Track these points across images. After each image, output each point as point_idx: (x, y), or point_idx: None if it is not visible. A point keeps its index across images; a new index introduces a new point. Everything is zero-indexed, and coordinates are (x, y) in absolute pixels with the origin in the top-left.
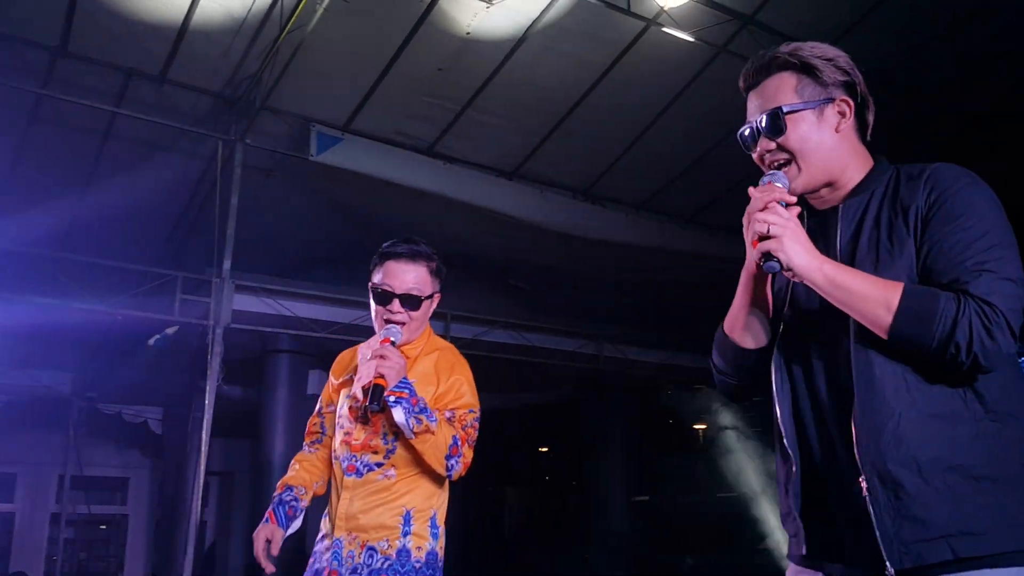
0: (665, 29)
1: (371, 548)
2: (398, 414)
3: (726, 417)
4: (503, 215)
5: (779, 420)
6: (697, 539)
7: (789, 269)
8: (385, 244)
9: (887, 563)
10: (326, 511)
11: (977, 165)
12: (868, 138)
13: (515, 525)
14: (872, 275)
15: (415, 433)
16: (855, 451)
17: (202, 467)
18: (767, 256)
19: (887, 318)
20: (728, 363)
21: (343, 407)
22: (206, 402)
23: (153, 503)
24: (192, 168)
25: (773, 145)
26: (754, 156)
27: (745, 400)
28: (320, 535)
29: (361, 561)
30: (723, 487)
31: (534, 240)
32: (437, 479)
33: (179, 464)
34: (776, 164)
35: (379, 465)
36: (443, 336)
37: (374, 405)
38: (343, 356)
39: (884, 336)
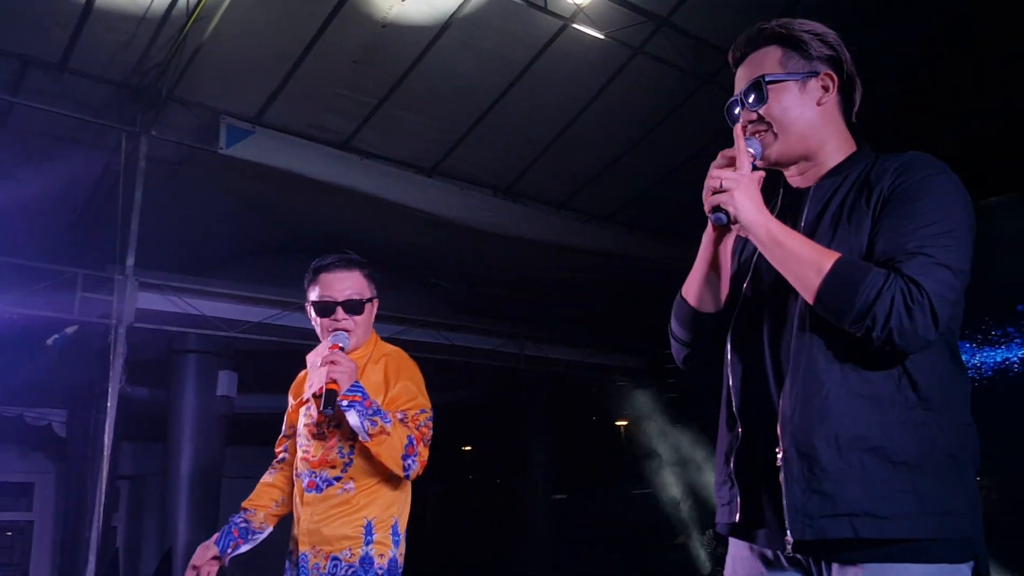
0: (581, 28)
1: (335, 558)
2: (352, 417)
3: (646, 413)
4: (422, 212)
5: (730, 389)
6: (614, 536)
7: (736, 221)
8: (315, 261)
9: (788, 532)
10: (293, 531)
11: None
12: (854, 119)
13: (438, 525)
14: (810, 242)
15: (370, 435)
16: (778, 422)
17: (104, 471)
18: (716, 208)
19: (816, 281)
20: (682, 327)
21: (300, 424)
22: (108, 404)
23: (60, 509)
24: (95, 161)
25: (755, 115)
26: (736, 128)
27: (694, 367)
28: (288, 552)
29: (326, 571)
30: (641, 483)
31: (454, 238)
32: (395, 487)
33: (83, 468)
34: (756, 133)
35: (337, 479)
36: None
37: (328, 409)
38: (301, 377)
39: (811, 301)
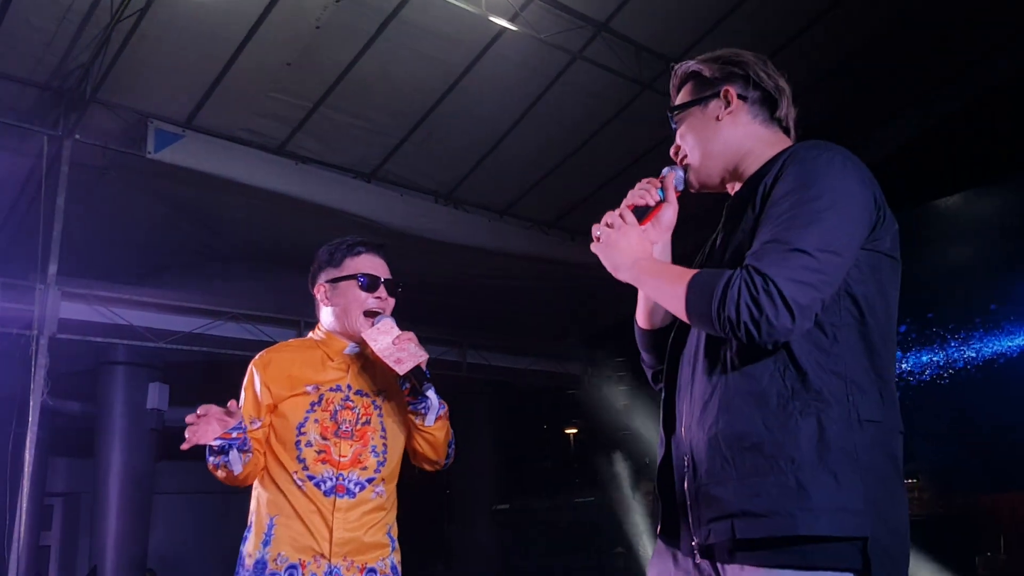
0: (520, 31)
1: (371, 570)
2: (434, 396)
3: (593, 421)
4: (361, 218)
5: (661, 403)
6: (557, 545)
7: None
8: (351, 237)
9: (693, 537)
10: (270, 535)
11: None
12: (788, 124)
13: None
14: (681, 269)
15: (438, 417)
16: (682, 431)
17: (26, 488)
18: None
19: (681, 302)
20: (643, 350)
21: (308, 421)
22: (30, 417)
23: None
24: (18, 167)
25: (677, 148)
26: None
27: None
28: (286, 565)
29: None
30: (585, 492)
31: (394, 244)
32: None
33: (7, 486)
34: (682, 161)
35: (370, 481)
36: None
37: (426, 384)
38: (278, 362)
39: (688, 321)
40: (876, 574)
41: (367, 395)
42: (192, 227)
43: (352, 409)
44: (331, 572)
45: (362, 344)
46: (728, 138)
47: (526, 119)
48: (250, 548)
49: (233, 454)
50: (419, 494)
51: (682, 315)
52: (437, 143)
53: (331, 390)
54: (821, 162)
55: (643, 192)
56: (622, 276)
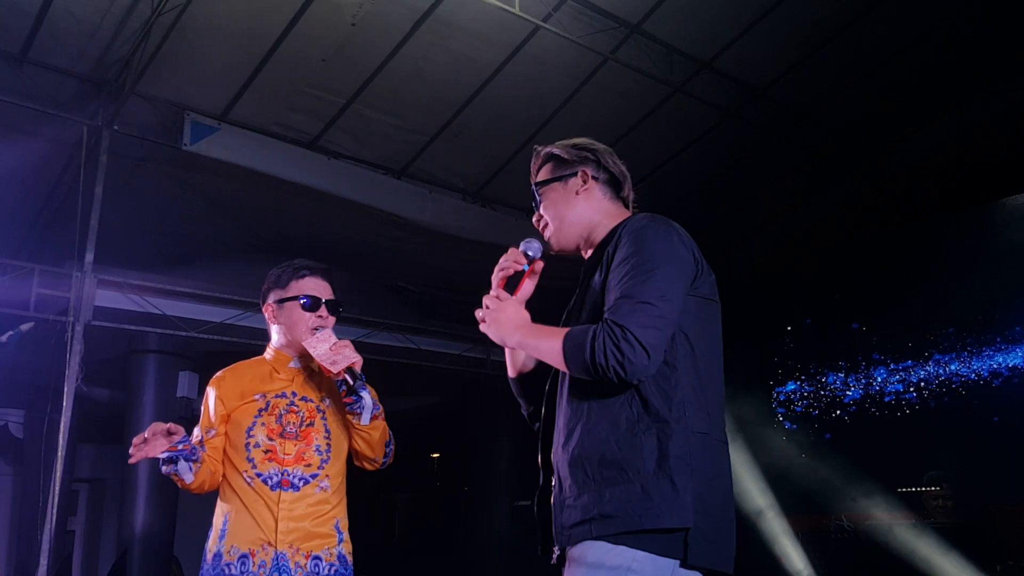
0: (552, 30)
1: (316, 557)
2: (367, 396)
3: None
4: (390, 214)
5: (539, 439)
6: None
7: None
8: (298, 261)
9: (555, 546)
10: (225, 530)
11: (832, 186)
12: (628, 202)
13: (405, 532)
14: (555, 328)
15: (373, 417)
16: (551, 457)
17: (58, 473)
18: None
19: (560, 357)
20: (521, 398)
21: (256, 425)
22: (64, 404)
23: (15, 512)
24: (55, 155)
25: (539, 216)
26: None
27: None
28: (239, 555)
29: (309, 570)
30: None
31: (422, 241)
32: (345, 488)
33: (40, 470)
34: (544, 230)
35: (314, 477)
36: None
37: (359, 384)
38: (232, 377)
39: (570, 373)
40: (693, 554)
41: (311, 401)
42: (225, 219)
43: (296, 413)
44: (278, 558)
45: (306, 358)
46: (583, 210)
47: (556, 118)
48: (210, 544)
49: (182, 464)
50: (442, 490)
51: (561, 367)
52: (467, 141)
53: (276, 397)
54: (648, 231)
55: (510, 264)
56: (510, 344)
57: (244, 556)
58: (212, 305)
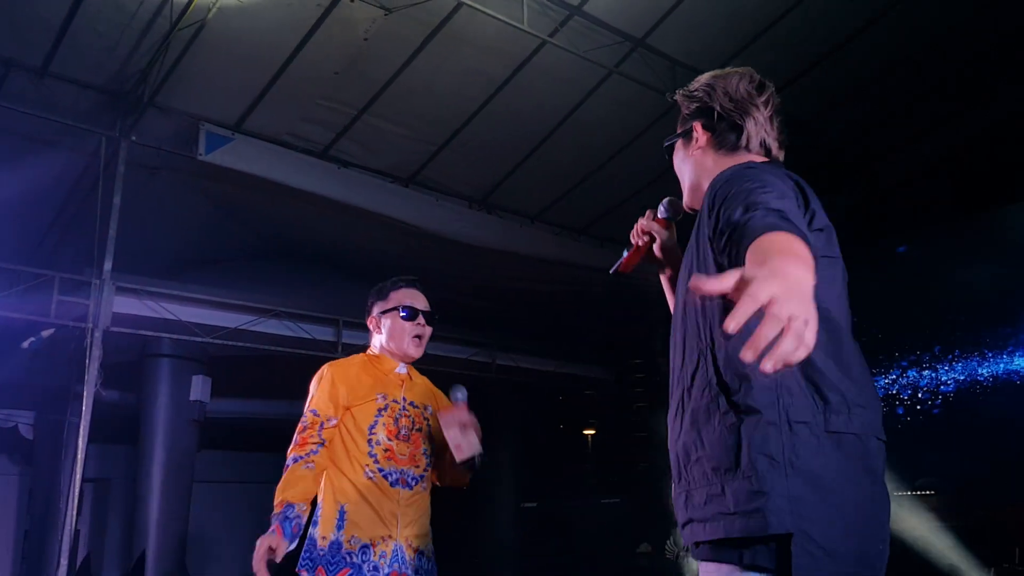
0: (558, 45)
1: (421, 552)
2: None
3: (613, 423)
4: (399, 221)
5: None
6: (583, 544)
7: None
8: (393, 278)
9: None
10: (343, 520)
11: (829, 197)
12: (741, 143)
13: None
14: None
15: (470, 469)
16: (669, 443)
17: (78, 474)
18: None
19: None
20: None
21: (377, 426)
22: (83, 407)
23: (22, 512)
24: (73, 165)
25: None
26: None
27: None
28: (360, 545)
29: (418, 564)
30: (611, 492)
31: (429, 248)
32: None
33: (51, 471)
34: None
35: (421, 478)
36: (334, 343)
37: (475, 465)
38: (353, 370)
39: None
40: (799, 567)
41: (419, 407)
42: (238, 227)
43: (408, 417)
44: (396, 550)
45: (409, 367)
46: (698, 170)
47: (561, 129)
48: (323, 531)
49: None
50: (446, 492)
51: None
52: (474, 150)
53: (393, 401)
54: (735, 175)
55: (635, 236)
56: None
57: (365, 546)
58: (226, 311)
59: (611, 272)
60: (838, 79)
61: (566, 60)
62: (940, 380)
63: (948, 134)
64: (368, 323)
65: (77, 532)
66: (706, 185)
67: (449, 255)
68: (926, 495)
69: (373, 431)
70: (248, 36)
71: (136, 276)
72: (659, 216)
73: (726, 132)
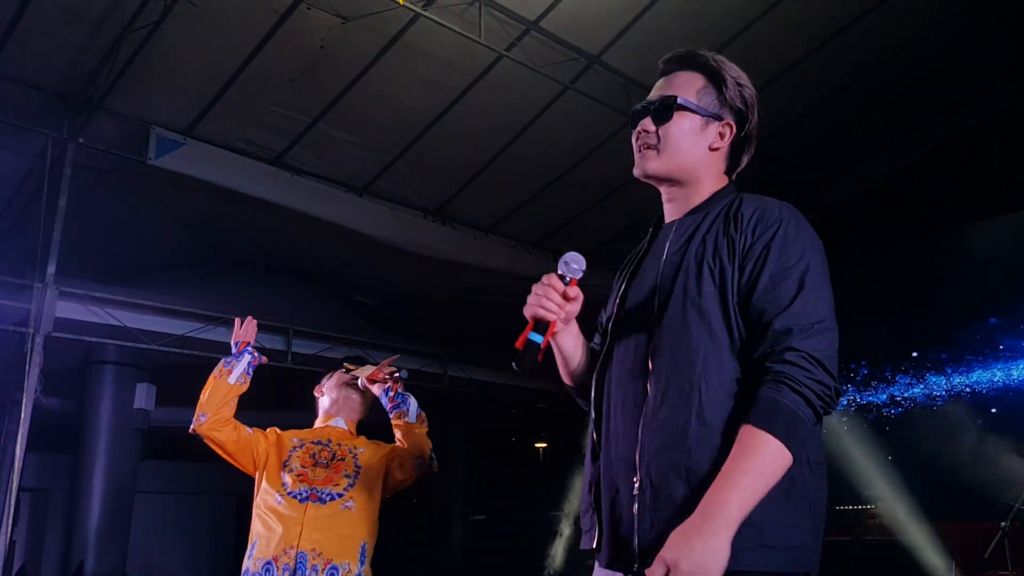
0: (514, 59)
1: (335, 567)
2: (412, 398)
3: (564, 436)
4: (352, 231)
5: (591, 424)
6: (532, 558)
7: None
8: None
9: (636, 562)
10: (253, 548)
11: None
12: (733, 176)
13: None
14: (743, 448)
15: (419, 417)
16: (636, 454)
17: (15, 484)
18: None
19: (788, 455)
20: (577, 396)
21: (292, 458)
22: (22, 414)
23: None
24: (18, 166)
25: (653, 128)
26: (633, 133)
27: None
28: (263, 563)
29: (324, 575)
30: (558, 505)
31: (383, 257)
32: (377, 513)
33: None
34: (645, 146)
35: (339, 496)
36: (284, 352)
37: (402, 375)
38: (282, 435)
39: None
40: None
41: (345, 445)
42: (187, 233)
43: (329, 451)
44: (300, 559)
45: (351, 425)
46: (704, 161)
47: (516, 143)
48: (244, 566)
49: (244, 360)
50: (394, 502)
51: (787, 456)
52: (430, 161)
53: (313, 443)
54: (804, 228)
55: (544, 304)
56: (730, 536)
57: (268, 563)
58: (172, 318)
59: (519, 367)
60: (787, 102)
61: (522, 74)
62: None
63: (894, 156)
64: (314, 392)
65: (12, 543)
66: (696, 176)
67: (402, 266)
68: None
69: (287, 464)
70: (202, 40)
71: (80, 281)
72: (572, 278)
73: (740, 152)
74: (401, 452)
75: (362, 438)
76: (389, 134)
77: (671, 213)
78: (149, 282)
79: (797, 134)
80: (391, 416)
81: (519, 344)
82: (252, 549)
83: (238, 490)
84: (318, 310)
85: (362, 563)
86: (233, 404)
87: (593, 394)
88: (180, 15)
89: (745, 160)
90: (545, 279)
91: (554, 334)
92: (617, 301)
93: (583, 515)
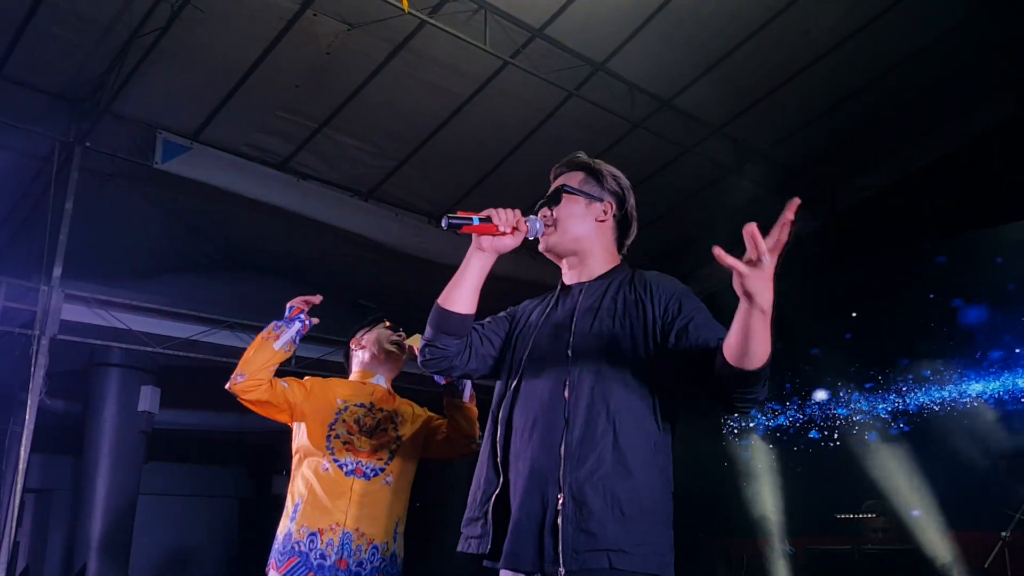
0: (520, 67)
1: (375, 547)
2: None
3: None
4: (357, 236)
5: (497, 437)
6: None
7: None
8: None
9: (560, 564)
10: (296, 512)
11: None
12: (623, 251)
13: None
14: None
15: (471, 395)
16: (559, 472)
17: (19, 485)
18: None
19: (766, 343)
20: (452, 335)
21: (337, 423)
22: (26, 416)
23: None
24: (25, 169)
25: (549, 212)
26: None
27: (461, 365)
28: (308, 533)
29: (366, 556)
30: None
31: (387, 262)
32: (411, 489)
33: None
34: (545, 227)
35: (381, 471)
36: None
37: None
38: (321, 388)
39: (756, 366)
40: None
41: (387, 412)
42: (193, 237)
43: (374, 417)
44: (344, 539)
45: (389, 383)
46: (592, 235)
47: (521, 149)
48: (282, 525)
49: (293, 328)
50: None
51: (760, 353)
52: (434, 167)
53: (357, 405)
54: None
55: (501, 215)
56: (765, 305)
57: (313, 534)
58: (178, 321)
59: (445, 224)
60: (794, 109)
61: (527, 81)
62: (883, 407)
63: (904, 162)
64: (351, 345)
65: (16, 544)
66: (588, 250)
67: (407, 270)
68: (870, 517)
69: (333, 427)
70: (209, 45)
71: (86, 283)
72: (533, 234)
73: (626, 228)
74: (446, 427)
75: (403, 401)
76: (394, 139)
77: (572, 279)
78: (154, 285)
79: (804, 141)
80: (444, 392)
81: (460, 212)
82: (295, 512)
83: (241, 493)
84: (321, 314)
85: (395, 540)
86: (272, 369)
87: (503, 417)
88: (188, 21)
89: (632, 235)
90: (514, 211)
91: (481, 244)
92: (532, 341)
93: (472, 523)
